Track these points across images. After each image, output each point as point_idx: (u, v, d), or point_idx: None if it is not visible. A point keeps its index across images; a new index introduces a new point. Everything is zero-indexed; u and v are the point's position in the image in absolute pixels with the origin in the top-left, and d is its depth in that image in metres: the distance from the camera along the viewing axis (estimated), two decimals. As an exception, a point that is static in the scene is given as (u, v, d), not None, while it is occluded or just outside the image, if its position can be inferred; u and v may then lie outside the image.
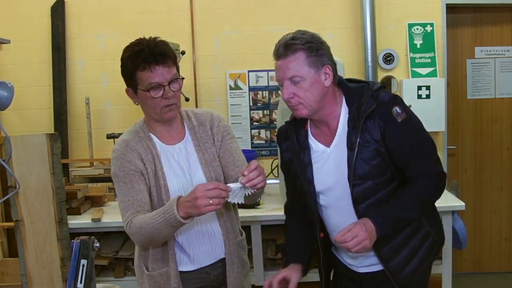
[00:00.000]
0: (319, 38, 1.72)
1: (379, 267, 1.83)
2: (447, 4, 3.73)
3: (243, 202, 1.63)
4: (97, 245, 1.75)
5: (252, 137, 3.81)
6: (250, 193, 1.62)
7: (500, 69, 3.97)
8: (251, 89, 3.78)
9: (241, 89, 3.76)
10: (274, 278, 1.80)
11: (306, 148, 1.81)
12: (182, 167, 1.83)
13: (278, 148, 2.03)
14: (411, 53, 3.70)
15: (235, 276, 1.88)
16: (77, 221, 2.98)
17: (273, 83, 3.77)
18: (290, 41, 1.68)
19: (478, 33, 3.95)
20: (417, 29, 3.71)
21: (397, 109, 1.69)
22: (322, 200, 1.83)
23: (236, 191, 1.60)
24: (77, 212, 3.10)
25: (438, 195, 1.80)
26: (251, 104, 3.79)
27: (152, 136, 1.85)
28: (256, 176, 1.58)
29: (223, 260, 1.88)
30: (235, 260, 1.89)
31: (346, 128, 1.74)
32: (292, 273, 1.82)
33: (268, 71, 3.76)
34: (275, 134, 2.05)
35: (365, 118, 1.68)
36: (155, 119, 1.82)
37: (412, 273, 1.81)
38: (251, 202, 1.80)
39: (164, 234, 1.66)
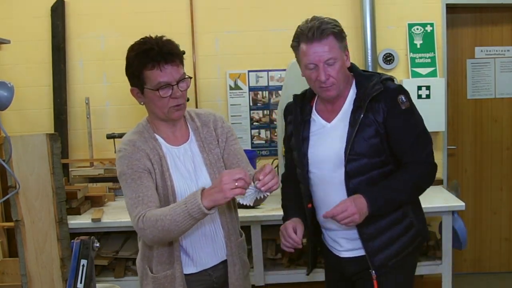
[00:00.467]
0: (339, 22, 1.85)
1: (360, 252, 1.89)
2: (447, 4, 3.73)
3: (251, 205, 1.63)
4: (97, 245, 1.75)
5: (252, 137, 3.80)
6: (263, 197, 1.64)
7: (500, 69, 3.97)
8: (251, 89, 3.78)
9: (241, 89, 3.76)
10: (286, 228, 1.87)
11: (308, 122, 1.94)
12: (188, 169, 1.82)
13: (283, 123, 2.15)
14: (411, 53, 3.70)
15: (236, 277, 1.88)
16: (77, 221, 2.98)
17: (273, 83, 3.77)
18: (324, 25, 1.78)
19: (478, 33, 3.95)
20: (417, 29, 3.71)
21: (402, 97, 1.83)
22: (313, 173, 1.92)
23: (249, 193, 1.60)
24: (77, 212, 3.10)
25: (429, 184, 1.88)
26: (251, 104, 3.79)
27: (157, 136, 1.83)
28: (271, 180, 1.60)
29: (224, 261, 1.88)
30: (237, 261, 1.88)
31: (351, 107, 1.85)
32: (297, 224, 1.89)
33: (268, 71, 3.76)
34: (283, 111, 2.17)
35: (371, 100, 1.80)
36: (160, 119, 1.81)
37: (388, 259, 1.86)
38: (256, 205, 1.81)
39: (183, 227, 1.61)
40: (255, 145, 3.81)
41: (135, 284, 3.16)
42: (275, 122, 3.74)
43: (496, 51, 3.95)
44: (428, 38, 3.71)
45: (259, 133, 3.82)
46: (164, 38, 1.76)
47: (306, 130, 1.93)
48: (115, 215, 3.08)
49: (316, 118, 1.94)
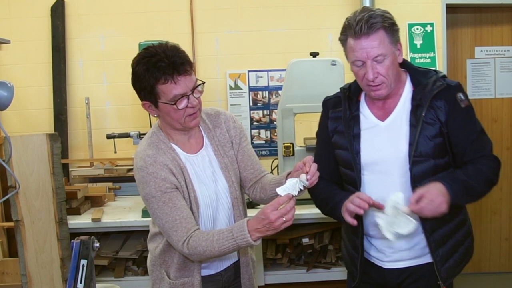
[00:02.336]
0: (390, 14, 1.72)
1: (406, 264, 1.80)
2: (447, 4, 3.73)
3: (295, 194, 1.60)
4: (97, 245, 1.75)
5: (252, 137, 3.80)
6: (302, 188, 1.61)
7: (500, 69, 3.98)
8: (251, 89, 3.78)
9: (241, 89, 3.76)
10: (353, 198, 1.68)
11: (357, 118, 1.80)
12: (207, 175, 1.79)
13: (320, 116, 1.97)
14: (411, 53, 3.70)
15: (249, 277, 1.89)
16: (77, 221, 2.98)
17: (273, 83, 3.77)
18: (372, 19, 1.63)
19: (478, 33, 3.95)
20: (417, 29, 3.71)
21: (461, 95, 1.73)
22: (365, 175, 1.78)
23: (289, 186, 1.58)
24: (77, 212, 3.10)
25: (497, 178, 1.79)
26: (251, 104, 3.79)
27: (174, 146, 1.77)
28: (316, 172, 1.61)
29: (235, 262, 1.89)
30: (249, 261, 1.89)
31: (408, 106, 1.74)
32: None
33: (268, 71, 3.76)
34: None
35: (432, 98, 1.70)
36: (176, 129, 1.76)
37: (454, 268, 1.79)
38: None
39: (227, 253, 1.67)
40: (255, 145, 3.80)
41: (135, 284, 3.16)
42: (275, 122, 3.74)
43: (496, 51, 3.95)
44: (428, 38, 3.71)
45: (259, 133, 3.82)
46: (170, 44, 1.69)
47: (356, 127, 1.79)
48: (115, 215, 3.08)
49: (366, 114, 1.80)
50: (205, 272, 1.84)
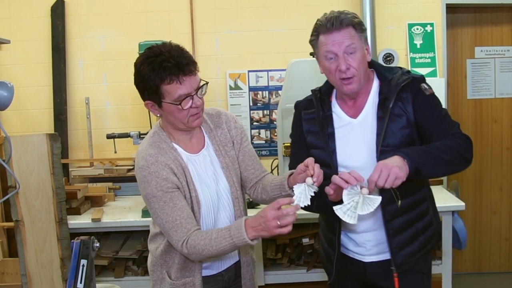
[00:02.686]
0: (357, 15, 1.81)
1: (386, 256, 1.83)
2: (447, 4, 3.73)
3: (309, 204, 1.60)
4: (97, 245, 1.75)
5: (252, 137, 3.80)
6: (314, 193, 1.60)
7: (500, 69, 3.97)
8: (251, 89, 3.78)
9: (241, 89, 3.76)
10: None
11: (330, 118, 1.86)
12: (209, 175, 1.80)
13: (293, 119, 2.01)
14: (411, 53, 3.70)
15: (249, 277, 1.89)
16: (77, 221, 2.98)
17: (273, 83, 3.77)
18: (342, 15, 1.74)
19: (478, 33, 3.95)
20: (417, 29, 3.71)
21: (424, 85, 1.81)
22: (340, 171, 1.80)
23: (299, 196, 1.58)
24: (77, 212, 3.10)
25: (469, 154, 1.78)
26: (251, 104, 3.79)
27: (176, 146, 1.78)
28: (320, 171, 1.60)
29: (236, 262, 1.89)
30: (250, 262, 1.89)
31: (377, 100, 1.81)
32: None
33: (268, 71, 3.76)
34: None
35: (399, 91, 1.76)
36: (179, 129, 1.77)
37: (410, 256, 1.82)
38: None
39: (228, 252, 1.67)
40: (255, 145, 3.80)
41: (135, 284, 3.16)
42: (275, 122, 3.74)
43: (496, 51, 3.95)
44: (428, 38, 3.71)
45: (259, 133, 3.82)
46: (174, 44, 1.69)
47: (330, 126, 1.85)
48: (115, 215, 3.08)
49: (339, 113, 1.86)
50: (206, 272, 1.84)
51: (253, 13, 3.75)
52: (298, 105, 1.99)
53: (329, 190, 1.65)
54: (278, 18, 3.72)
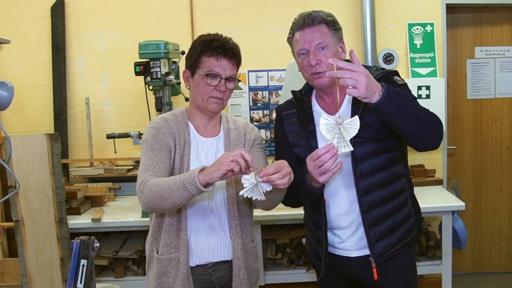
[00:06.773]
0: (334, 16, 1.88)
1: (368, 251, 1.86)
2: (447, 4, 3.73)
3: (264, 199, 1.58)
4: (97, 245, 1.75)
5: (252, 137, 3.80)
6: (265, 191, 1.59)
7: (500, 69, 3.98)
8: (251, 89, 3.78)
9: (241, 89, 3.76)
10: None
11: (310, 116, 1.92)
12: (208, 161, 1.82)
13: (275, 122, 2.11)
14: (411, 53, 3.70)
15: (240, 282, 1.85)
16: (77, 221, 2.98)
17: (273, 83, 3.77)
18: (314, 13, 1.83)
19: (478, 33, 3.95)
20: (417, 29, 3.71)
21: (397, 77, 1.85)
22: None
23: (247, 184, 1.57)
24: (77, 212, 3.10)
25: (439, 124, 1.74)
26: (251, 104, 3.79)
27: (190, 124, 1.89)
28: (274, 172, 1.57)
29: (227, 262, 1.86)
30: (242, 266, 1.85)
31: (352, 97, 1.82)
32: None
33: (268, 71, 3.76)
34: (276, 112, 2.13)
35: None
36: (198, 107, 1.86)
37: (389, 247, 1.84)
38: (274, 205, 1.81)
39: (175, 197, 1.60)
40: (255, 145, 3.80)
41: (135, 284, 3.16)
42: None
43: (496, 51, 3.95)
44: (428, 38, 3.71)
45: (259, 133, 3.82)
46: (231, 41, 1.87)
47: (311, 124, 1.91)
48: (115, 215, 3.08)
49: (319, 111, 1.91)
50: (194, 261, 1.82)
51: (253, 13, 3.75)
52: (280, 108, 2.06)
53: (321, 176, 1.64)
54: (278, 18, 3.72)
